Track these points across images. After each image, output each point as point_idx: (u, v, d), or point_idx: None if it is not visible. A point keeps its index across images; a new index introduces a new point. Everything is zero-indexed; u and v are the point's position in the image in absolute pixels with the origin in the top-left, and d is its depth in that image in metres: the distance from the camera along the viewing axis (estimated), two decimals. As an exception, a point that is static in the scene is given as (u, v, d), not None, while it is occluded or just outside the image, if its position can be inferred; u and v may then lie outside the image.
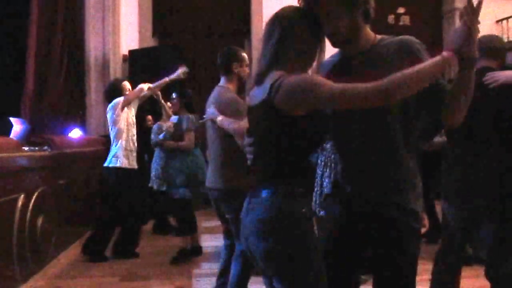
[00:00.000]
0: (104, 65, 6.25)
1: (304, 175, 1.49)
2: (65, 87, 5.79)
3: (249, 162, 1.63)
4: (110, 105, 4.14)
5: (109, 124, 4.14)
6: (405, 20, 8.37)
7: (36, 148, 3.84)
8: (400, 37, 1.53)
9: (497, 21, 8.28)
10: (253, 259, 1.52)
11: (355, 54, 1.52)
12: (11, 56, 5.52)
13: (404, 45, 1.48)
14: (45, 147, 3.94)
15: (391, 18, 8.35)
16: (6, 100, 5.27)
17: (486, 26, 7.90)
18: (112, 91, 4.25)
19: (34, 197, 3.34)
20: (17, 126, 4.34)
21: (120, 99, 4.09)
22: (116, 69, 6.53)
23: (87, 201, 4.97)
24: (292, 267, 1.40)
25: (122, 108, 4.07)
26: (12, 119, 4.37)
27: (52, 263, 3.72)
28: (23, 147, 3.59)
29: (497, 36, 2.64)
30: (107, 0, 6.24)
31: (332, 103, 1.37)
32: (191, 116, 4.12)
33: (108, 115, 4.13)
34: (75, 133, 5.38)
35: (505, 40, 8.17)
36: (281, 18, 1.48)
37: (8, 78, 5.55)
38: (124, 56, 6.75)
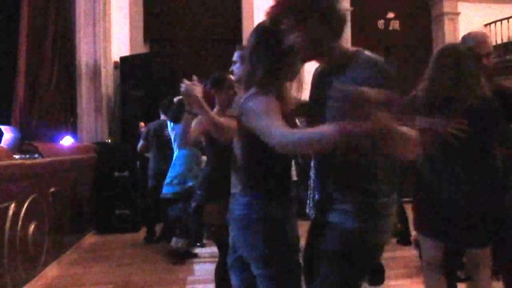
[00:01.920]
0: (95, 72, 6.23)
1: (279, 181, 1.58)
2: (56, 94, 5.76)
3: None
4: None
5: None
6: (395, 25, 8.46)
7: (27, 156, 3.81)
8: (374, 61, 1.42)
9: (485, 25, 8.39)
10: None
11: (326, 69, 1.54)
12: (0, 63, 5.48)
13: (374, 74, 1.38)
14: (36, 155, 3.91)
15: (380, 23, 8.44)
16: (-4, 108, 5.24)
17: (474, 30, 7.96)
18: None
19: (25, 205, 3.31)
20: (8, 134, 4.30)
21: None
22: (108, 76, 6.51)
23: (79, 209, 4.93)
24: (266, 261, 1.52)
25: None
26: (2, 127, 4.33)
27: (44, 272, 3.69)
28: (14, 155, 3.56)
29: None
30: (98, 7, 6.23)
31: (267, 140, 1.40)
32: None
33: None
34: (66, 141, 5.34)
35: (493, 43, 8.29)
36: (252, 33, 1.57)
37: (-2, 86, 5.51)
38: (116, 62, 6.73)
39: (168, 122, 4.33)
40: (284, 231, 1.55)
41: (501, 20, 8.21)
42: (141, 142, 4.97)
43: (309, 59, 1.52)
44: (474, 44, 2.35)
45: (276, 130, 1.36)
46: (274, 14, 1.48)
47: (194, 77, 2.21)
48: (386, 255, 1.91)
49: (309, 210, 3.40)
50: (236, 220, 1.58)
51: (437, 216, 2.11)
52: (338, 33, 1.46)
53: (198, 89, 2.09)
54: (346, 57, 1.46)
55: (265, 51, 1.51)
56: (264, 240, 1.51)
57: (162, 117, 4.82)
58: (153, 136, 4.82)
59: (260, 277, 1.54)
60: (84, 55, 6.19)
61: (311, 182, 3.37)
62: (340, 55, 1.47)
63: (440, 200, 2.09)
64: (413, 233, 3.44)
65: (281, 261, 1.53)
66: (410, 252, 4.13)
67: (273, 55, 1.51)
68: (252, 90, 1.50)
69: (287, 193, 1.60)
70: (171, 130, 4.22)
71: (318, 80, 1.59)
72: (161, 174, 4.29)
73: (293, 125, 1.58)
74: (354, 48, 1.48)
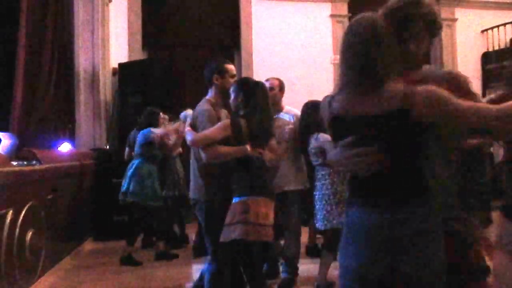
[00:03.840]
0: (94, 78, 6.23)
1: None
2: (54, 100, 5.75)
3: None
4: None
5: None
6: (393, 31, 8.48)
7: (25, 163, 3.80)
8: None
9: (482, 31, 8.44)
10: None
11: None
12: (-1, 70, 5.48)
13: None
14: (34, 162, 3.89)
15: (378, 29, 8.46)
16: (-6, 115, 5.23)
17: (471, 36, 8.09)
18: None
19: (23, 212, 3.29)
20: (6, 141, 4.30)
21: None
22: (106, 82, 6.51)
23: (77, 216, 4.91)
24: None
25: None
26: (0, 134, 4.33)
27: (42, 279, 3.66)
28: (12, 162, 3.55)
29: None
30: (96, 13, 6.24)
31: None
32: None
33: None
34: (65, 147, 5.33)
35: (490, 49, 8.34)
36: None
37: (-4, 92, 5.50)
38: (114, 69, 6.74)
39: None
40: None
41: (497, 26, 8.26)
42: (126, 150, 5.09)
43: (413, 68, 1.51)
44: None
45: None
46: (399, 17, 1.48)
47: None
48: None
49: (318, 221, 3.36)
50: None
51: None
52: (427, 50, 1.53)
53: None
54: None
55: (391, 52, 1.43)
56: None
57: None
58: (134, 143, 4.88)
59: None
60: (82, 62, 6.20)
61: (319, 194, 3.36)
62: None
63: None
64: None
65: None
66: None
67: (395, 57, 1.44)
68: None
69: None
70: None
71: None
72: None
73: None
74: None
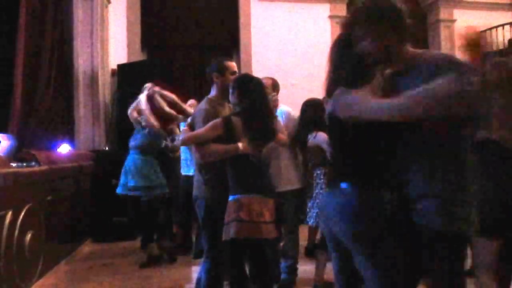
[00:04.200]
0: (93, 79, 6.23)
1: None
2: (53, 101, 5.74)
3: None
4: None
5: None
6: (392, 31, 8.50)
7: (24, 164, 3.79)
8: (435, 55, 1.63)
9: (481, 32, 8.43)
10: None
11: (395, 72, 1.68)
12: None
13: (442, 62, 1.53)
14: (33, 163, 3.89)
15: (377, 30, 8.48)
16: (-7, 116, 5.22)
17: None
18: None
19: (22, 213, 3.29)
20: (4, 142, 4.29)
21: None
22: (105, 83, 6.51)
23: (76, 217, 4.91)
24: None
25: None
26: (-1, 135, 4.32)
27: (41, 281, 3.65)
28: (11, 163, 3.54)
29: None
30: (95, 14, 6.24)
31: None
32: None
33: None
34: (64, 148, 5.32)
35: (489, 50, 8.33)
36: (332, 45, 1.78)
37: (-5, 93, 5.50)
38: (113, 70, 6.74)
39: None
40: None
41: (496, 27, 8.26)
42: None
43: (379, 63, 1.66)
44: None
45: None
46: (348, 24, 1.67)
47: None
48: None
49: (311, 218, 3.38)
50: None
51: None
52: (404, 39, 1.63)
53: None
54: (410, 59, 1.62)
55: (345, 59, 1.67)
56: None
57: None
58: None
59: None
60: (81, 63, 6.19)
61: (314, 192, 3.37)
62: (405, 58, 1.64)
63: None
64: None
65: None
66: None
67: (352, 61, 1.65)
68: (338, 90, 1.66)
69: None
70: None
71: (391, 82, 1.69)
72: None
73: None
74: (421, 50, 1.66)
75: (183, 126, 4.69)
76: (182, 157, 4.66)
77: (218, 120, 2.58)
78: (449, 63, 1.50)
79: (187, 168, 4.49)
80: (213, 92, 2.83)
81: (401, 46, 1.63)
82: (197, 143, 2.60)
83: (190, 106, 4.62)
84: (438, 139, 1.56)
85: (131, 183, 4.30)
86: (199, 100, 2.87)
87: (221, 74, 2.77)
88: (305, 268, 3.73)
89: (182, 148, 4.57)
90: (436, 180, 1.57)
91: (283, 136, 3.10)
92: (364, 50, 1.60)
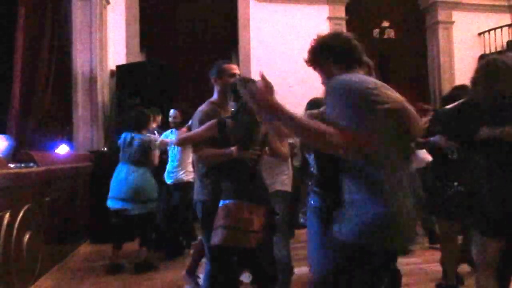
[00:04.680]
0: (91, 80, 6.23)
1: None
2: (52, 102, 5.75)
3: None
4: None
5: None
6: (390, 33, 8.53)
7: (22, 165, 3.78)
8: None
9: (479, 34, 8.47)
10: None
11: None
12: (-4, 72, 5.47)
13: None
14: (31, 164, 3.88)
15: (376, 32, 8.50)
16: (-8, 116, 5.22)
17: (468, 39, 8.10)
18: None
19: (20, 214, 3.29)
20: (3, 143, 4.29)
21: None
22: (104, 85, 6.51)
23: (74, 218, 4.90)
24: None
25: None
26: (-3, 136, 4.32)
27: (39, 282, 3.65)
28: (9, 164, 3.54)
29: None
30: (94, 15, 6.24)
31: None
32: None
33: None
34: (62, 149, 5.32)
35: (487, 52, 8.37)
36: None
37: (-7, 94, 5.49)
38: (112, 71, 6.74)
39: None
40: None
41: (494, 29, 8.29)
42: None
43: None
44: None
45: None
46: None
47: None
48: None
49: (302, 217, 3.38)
50: None
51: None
52: (349, 66, 1.78)
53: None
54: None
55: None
56: None
57: None
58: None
59: None
60: (80, 64, 6.20)
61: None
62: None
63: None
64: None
65: None
66: (409, 260, 4.14)
67: None
68: None
69: None
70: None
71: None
72: None
73: None
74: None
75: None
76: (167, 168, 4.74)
77: (213, 121, 2.57)
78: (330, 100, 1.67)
79: (168, 177, 4.66)
80: (214, 96, 2.84)
81: (338, 71, 1.78)
82: (193, 145, 2.60)
83: (173, 117, 4.72)
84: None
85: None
86: (198, 104, 2.85)
87: (219, 77, 2.79)
88: (305, 270, 3.73)
89: (171, 157, 4.67)
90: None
91: (283, 149, 2.97)
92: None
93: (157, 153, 4.41)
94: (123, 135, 4.44)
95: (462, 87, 3.27)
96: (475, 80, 2.38)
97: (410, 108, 1.63)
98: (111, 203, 4.31)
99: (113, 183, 4.36)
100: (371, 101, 1.53)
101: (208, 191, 2.65)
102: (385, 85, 1.65)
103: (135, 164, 4.30)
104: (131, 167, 4.30)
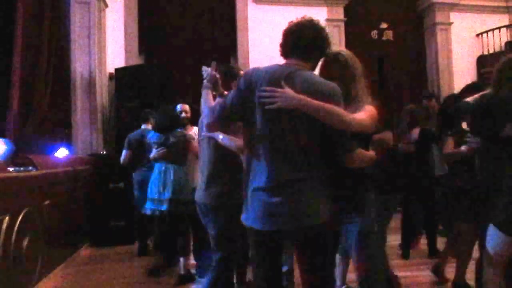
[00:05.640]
0: (90, 84, 6.23)
1: None
2: (50, 105, 5.74)
3: None
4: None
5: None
6: (388, 35, 8.55)
7: (21, 169, 3.78)
8: None
9: (477, 35, 8.49)
10: None
11: None
12: (-5, 76, 5.46)
13: None
14: (31, 167, 3.88)
15: (374, 33, 8.52)
16: (-10, 120, 5.21)
17: (467, 40, 8.12)
18: None
19: (19, 218, 3.28)
20: (2, 146, 4.28)
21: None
22: (102, 88, 6.51)
23: (74, 222, 4.89)
24: None
25: None
26: (-4, 139, 4.31)
27: (38, 286, 3.64)
28: (8, 168, 3.53)
29: None
30: (93, 18, 6.25)
31: None
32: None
33: None
34: (61, 153, 5.31)
35: (486, 53, 8.39)
36: None
37: (-8, 98, 5.49)
38: (111, 74, 6.74)
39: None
40: None
41: (492, 30, 8.31)
42: (125, 152, 4.83)
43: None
44: None
45: None
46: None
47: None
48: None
49: None
50: None
51: None
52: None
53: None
54: None
55: None
56: None
57: (143, 126, 4.97)
58: (136, 146, 4.78)
59: None
60: (79, 67, 6.20)
61: None
62: None
63: None
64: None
65: None
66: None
67: None
68: None
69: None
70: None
71: None
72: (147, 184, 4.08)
73: None
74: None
75: None
76: None
77: None
78: None
79: None
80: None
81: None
82: None
83: (185, 112, 4.37)
84: None
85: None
86: (197, 105, 2.85)
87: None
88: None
89: None
90: None
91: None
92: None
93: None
94: (153, 135, 4.08)
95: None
96: (499, 78, 2.40)
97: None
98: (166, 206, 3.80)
99: (158, 184, 3.90)
100: None
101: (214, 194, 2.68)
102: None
103: (179, 163, 3.95)
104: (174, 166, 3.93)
